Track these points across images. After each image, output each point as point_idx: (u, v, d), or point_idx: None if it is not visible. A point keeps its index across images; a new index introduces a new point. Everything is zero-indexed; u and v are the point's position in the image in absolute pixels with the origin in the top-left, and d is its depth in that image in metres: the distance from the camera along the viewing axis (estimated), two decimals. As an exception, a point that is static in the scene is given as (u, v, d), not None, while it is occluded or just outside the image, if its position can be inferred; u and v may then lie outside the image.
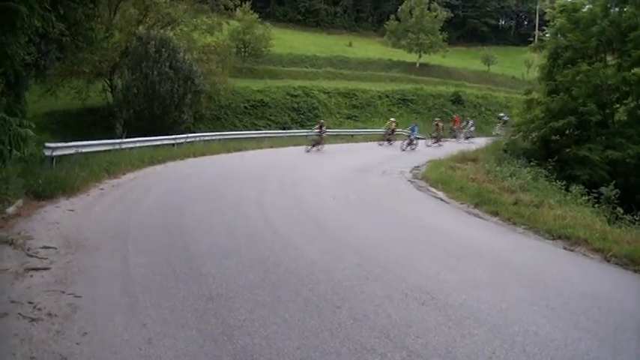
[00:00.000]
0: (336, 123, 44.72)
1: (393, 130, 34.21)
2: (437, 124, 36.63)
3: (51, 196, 11.94)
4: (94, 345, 5.18)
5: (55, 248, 8.19)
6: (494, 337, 5.87)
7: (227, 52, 40.84)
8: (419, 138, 34.49)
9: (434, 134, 36.22)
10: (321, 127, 29.27)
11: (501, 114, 44.38)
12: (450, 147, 30.64)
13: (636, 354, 5.90)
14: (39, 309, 5.92)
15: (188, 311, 6.11)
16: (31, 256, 7.75)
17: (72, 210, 11.18)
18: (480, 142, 30.90)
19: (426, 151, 29.43)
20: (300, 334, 5.64)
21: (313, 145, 28.09)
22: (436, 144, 34.79)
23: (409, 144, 31.44)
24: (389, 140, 33.72)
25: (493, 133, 39.23)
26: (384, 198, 15.33)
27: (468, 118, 42.37)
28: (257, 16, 53.90)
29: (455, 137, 39.15)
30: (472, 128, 39.89)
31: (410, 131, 33.00)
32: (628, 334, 6.34)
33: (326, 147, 29.03)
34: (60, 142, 17.36)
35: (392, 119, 36.33)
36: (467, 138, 38.50)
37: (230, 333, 5.56)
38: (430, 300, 6.87)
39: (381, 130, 36.01)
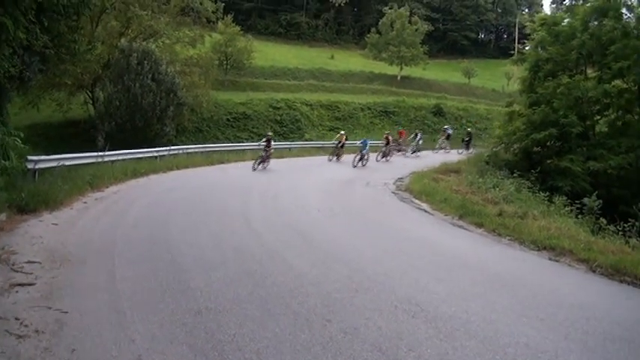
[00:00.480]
0: (319, 135, 44.79)
1: (342, 144, 30.70)
2: (386, 137, 32.99)
3: (34, 210, 11.75)
4: (82, 362, 5.10)
5: (40, 263, 8.06)
6: (485, 350, 5.87)
7: (209, 64, 40.79)
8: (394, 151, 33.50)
9: (383, 148, 32.47)
10: (268, 142, 25.24)
11: (446, 126, 43.17)
12: (403, 161, 30.71)
13: (626, 364, 5.93)
14: (26, 325, 5.80)
15: (177, 326, 6.03)
16: (16, 271, 7.61)
17: (56, 224, 11.02)
18: (437, 157, 31.13)
19: (402, 163, 29.25)
20: (291, 348, 5.59)
21: (260, 162, 24.29)
22: (384, 159, 31.61)
23: (360, 159, 27.77)
24: (338, 155, 30.10)
25: (436, 147, 38.93)
26: (368, 210, 15.34)
27: (417, 131, 39.64)
28: (239, 28, 53.96)
29: (400, 151, 35.74)
30: (420, 142, 36.90)
31: (361, 145, 28.89)
32: (617, 345, 6.36)
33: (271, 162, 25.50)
34: (42, 154, 17.15)
35: (342, 132, 32.74)
36: (414, 152, 36.10)
37: (221, 348, 5.49)
38: (420, 312, 6.86)
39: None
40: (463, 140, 39.51)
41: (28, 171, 15.33)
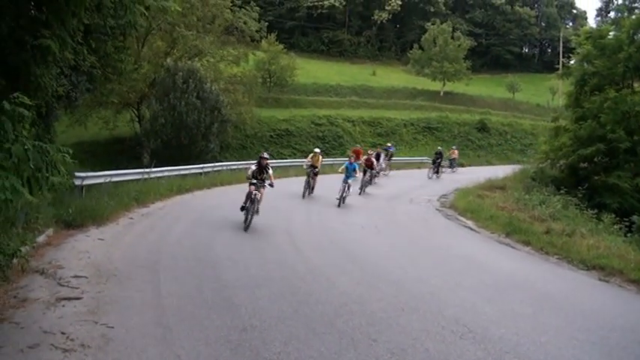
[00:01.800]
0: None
1: (315, 167, 20.90)
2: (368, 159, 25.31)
3: (81, 225, 11.95)
4: (129, 377, 5.13)
5: (87, 277, 8.17)
6: (535, 372, 5.72)
7: (253, 82, 41.17)
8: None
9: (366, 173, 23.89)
10: (265, 167, 15.04)
11: (388, 144, 36.88)
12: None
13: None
14: (71, 339, 5.87)
15: (222, 343, 6.03)
16: (63, 285, 7.73)
17: (102, 239, 11.18)
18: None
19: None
20: (337, 367, 5.54)
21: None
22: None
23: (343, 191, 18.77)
24: (310, 184, 20.48)
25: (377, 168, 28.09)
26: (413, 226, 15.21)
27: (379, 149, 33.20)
28: (282, 46, 54.39)
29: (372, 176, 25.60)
30: (383, 165, 30.49)
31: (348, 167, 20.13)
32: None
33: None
34: (89, 171, 17.49)
35: (316, 150, 22.60)
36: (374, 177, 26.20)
37: (266, 366, 5.47)
38: (468, 333, 6.74)
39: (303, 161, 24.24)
40: (434, 162, 32.87)
41: (75, 187, 15.63)
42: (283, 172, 29.96)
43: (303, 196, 19.94)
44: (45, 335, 5.94)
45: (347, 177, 19.43)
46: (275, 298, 7.67)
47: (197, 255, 10.26)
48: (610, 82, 24.45)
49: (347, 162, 20.58)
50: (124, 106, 34.34)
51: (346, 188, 18.82)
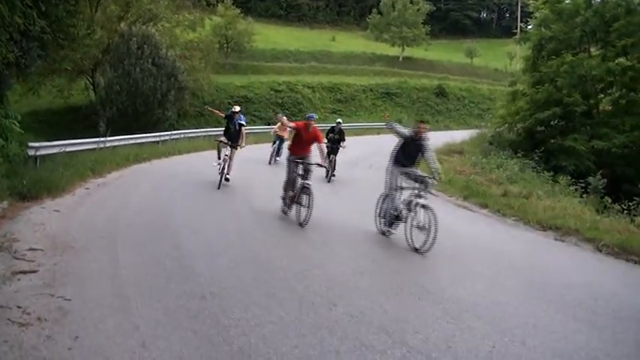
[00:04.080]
0: (322, 117, 44.59)
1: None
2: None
3: (36, 197, 11.60)
4: (85, 349, 5.01)
5: (43, 250, 7.96)
6: (493, 331, 5.80)
7: (210, 48, 40.51)
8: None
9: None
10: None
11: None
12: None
13: (635, 343, 5.87)
14: (28, 313, 5.71)
15: (181, 311, 5.95)
16: (18, 258, 7.52)
17: (58, 210, 10.90)
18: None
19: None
20: (297, 332, 5.52)
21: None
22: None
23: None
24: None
25: None
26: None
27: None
28: (239, 11, 53.57)
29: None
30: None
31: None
32: (625, 324, 6.32)
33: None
34: (43, 141, 17.06)
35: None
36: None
37: (226, 333, 5.41)
38: (426, 294, 6.80)
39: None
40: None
41: (29, 158, 15.24)
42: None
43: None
44: (1, 310, 5.75)
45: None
46: (235, 266, 7.61)
47: (156, 224, 10.10)
48: (567, 46, 24.79)
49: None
50: (79, 73, 33.52)
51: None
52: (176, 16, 36.69)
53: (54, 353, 4.91)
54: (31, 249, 7.94)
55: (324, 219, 11.22)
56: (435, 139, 29.69)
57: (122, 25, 31.91)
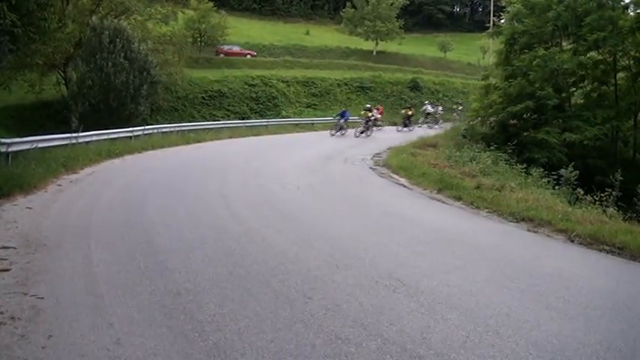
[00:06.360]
0: (296, 112, 44.58)
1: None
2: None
3: (7, 194, 11.48)
4: (60, 348, 4.96)
5: (15, 248, 7.87)
6: (467, 321, 5.85)
7: (183, 41, 40.17)
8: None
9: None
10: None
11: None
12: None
13: (607, 331, 5.95)
14: (1, 312, 5.63)
15: (156, 308, 5.91)
16: (-10, 257, 7.44)
17: (30, 208, 10.80)
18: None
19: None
20: (272, 326, 5.51)
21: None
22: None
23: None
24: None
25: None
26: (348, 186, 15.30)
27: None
28: (212, 4, 53.07)
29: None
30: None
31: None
32: (598, 312, 6.40)
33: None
34: (15, 137, 16.81)
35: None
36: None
37: (201, 329, 5.39)
38: (401, 286, 6.83)
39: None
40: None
41: (0, 155, 15.02)
42: (216, 134, 29.67)
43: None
44: (-26, 309, 5.71)
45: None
46: (209, 261, 7.57)
47: (129, 220, 10.03)
48: (539, 40, 25.10)
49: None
50: (50, 68, 33.03)
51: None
52: (148, 9, 36.29)
53: (28, 352, 4.87)
54: (3, 247, 7.87)
55: (300, 213, 11.23)
56: (410, 133, 30.21)
57: (94, 18, 31.46)
